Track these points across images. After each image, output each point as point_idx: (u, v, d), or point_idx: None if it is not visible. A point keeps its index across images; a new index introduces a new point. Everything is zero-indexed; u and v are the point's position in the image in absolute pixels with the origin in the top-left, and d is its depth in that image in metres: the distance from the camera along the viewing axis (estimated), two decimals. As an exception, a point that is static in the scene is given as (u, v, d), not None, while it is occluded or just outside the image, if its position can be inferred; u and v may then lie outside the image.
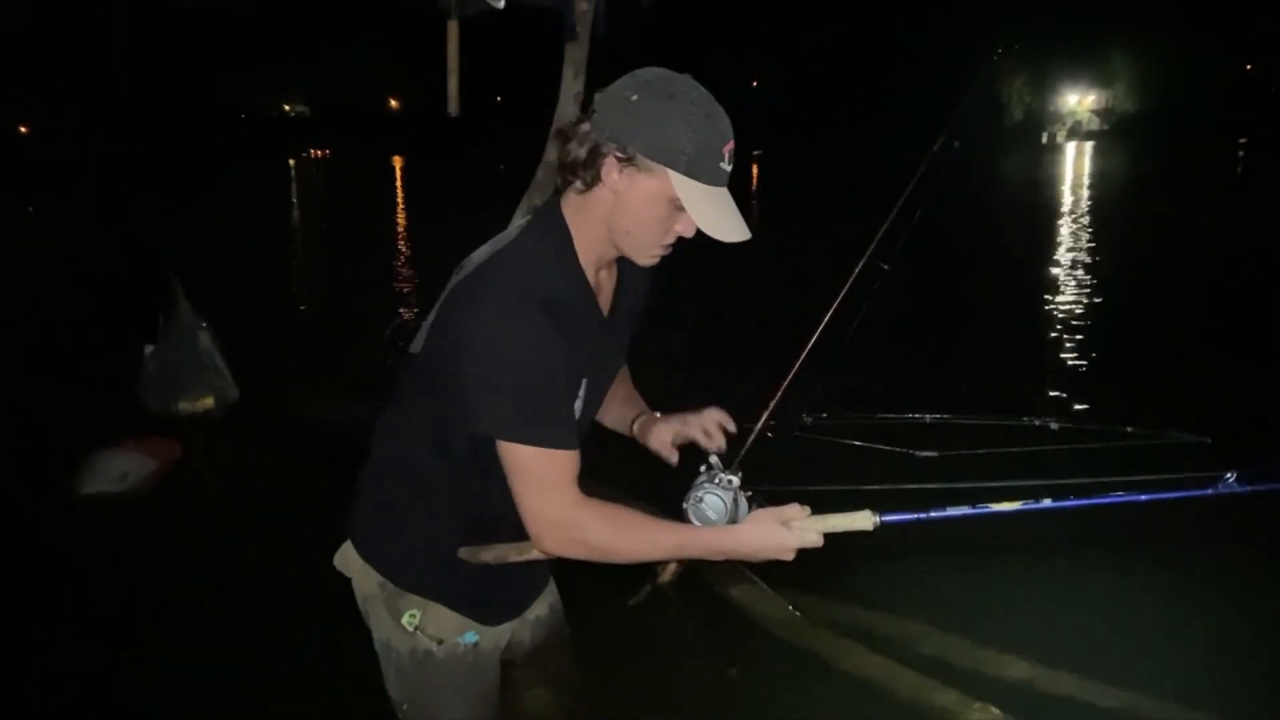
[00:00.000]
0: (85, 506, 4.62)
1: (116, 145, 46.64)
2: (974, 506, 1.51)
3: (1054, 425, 4.30)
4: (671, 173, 1.49)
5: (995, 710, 2.80)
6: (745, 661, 3.30)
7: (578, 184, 1.55)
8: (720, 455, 1.64)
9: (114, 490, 4.71)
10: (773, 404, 3.51)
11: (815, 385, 3.62)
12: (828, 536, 1.53)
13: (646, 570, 3.59)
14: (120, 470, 4.79)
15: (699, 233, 1.54)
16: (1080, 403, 6.08)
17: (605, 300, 1.70)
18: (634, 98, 1.49)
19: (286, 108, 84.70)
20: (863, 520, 1.51)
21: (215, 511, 4.78)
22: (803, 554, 1.55)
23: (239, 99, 71.60)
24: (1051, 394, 6.29)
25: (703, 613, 3.55)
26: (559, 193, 1.62)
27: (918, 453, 4.01)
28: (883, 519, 1.50)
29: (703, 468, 1.64)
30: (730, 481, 1.58)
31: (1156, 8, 52.99)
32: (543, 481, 1.51)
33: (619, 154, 1.49)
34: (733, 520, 1.56)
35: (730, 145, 1.52)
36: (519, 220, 1.67)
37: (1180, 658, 3.12)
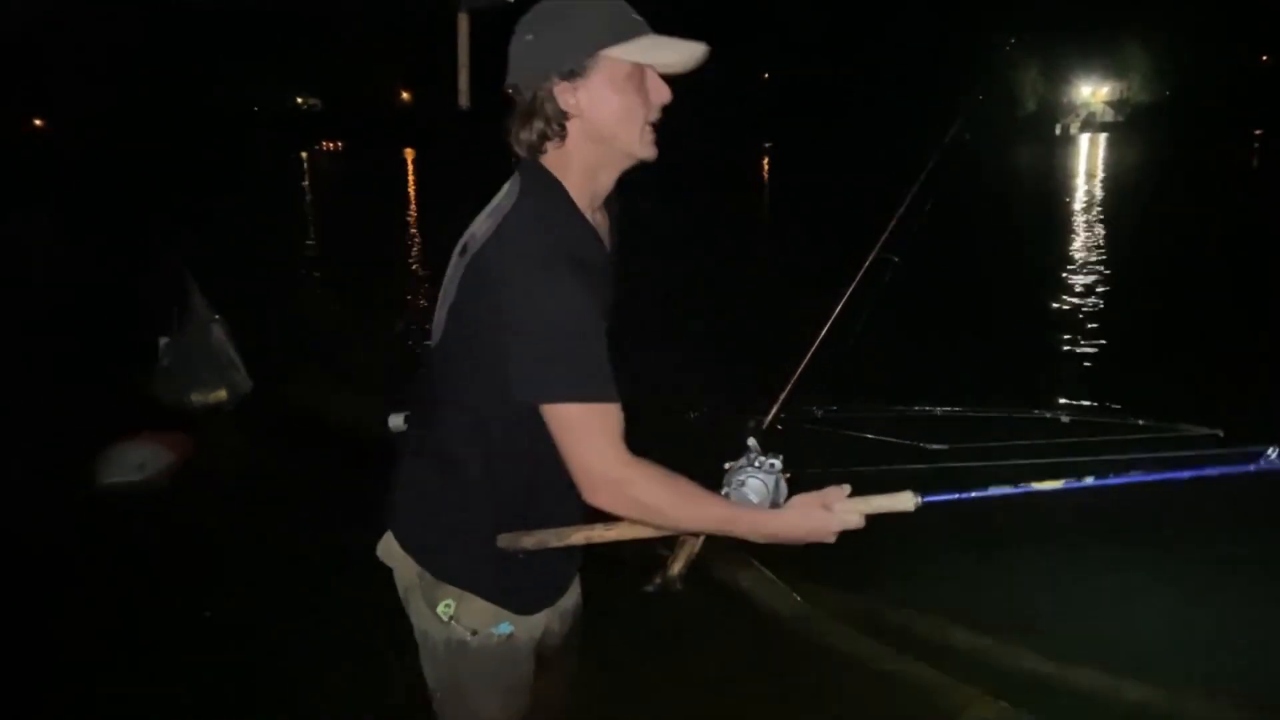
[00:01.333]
0: (101, 497, 4.66)
1: (130, 139, 46.71)
2: (1016, 485, 1.49)
3: (1064, 418, 4.28)
4: (608, 52, 1.53)
5: (1006, 704, 2.79)
6: (755, 653, 3.31)
7: (552, 142, 1.57)
8: (759, 440, 1.63)
9: (129, 481, 4.75)
10: (782, 396, 3.53)
11: (825, 378, 3.64)
12: (869, 518, 1.52)
13: (656, 561, 3.62)
14: (136, 462, 4.84)
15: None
16: (1091, 396, 6.07)
17: (606, 244, 1.71)
18: (529, 37, 1.54)
19: (299, 100, 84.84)
20: (904, 501, 1.49)
21: (229, 502, 4.82)
22: (818, 543, 1.56)
23: (251, 92, 71.75)
24: (1062, 387, 6.28)
25: (712, 604, 3.56)
26: (531, 157, 1.62)
27: (928, 445, 4.04)
28: (924, 499, 1.48)
29: (749, 454, 1.63)
30: (772, 465, 1.58)
31: (1171, -2, 52.66)
32: (595, 436, 1.51)
33: (561, 79, 1.53)
34: (774, 504, 1.55)
35: (623, 1, 1.57)
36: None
37: (1198, 650, 3.12)
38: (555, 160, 1.59)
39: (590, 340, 1.51)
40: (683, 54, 1.56)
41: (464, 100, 4.63)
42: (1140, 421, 4.08)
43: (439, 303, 1.68)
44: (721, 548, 3.69)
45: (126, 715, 3.05)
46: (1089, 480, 1.48)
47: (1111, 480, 1.48)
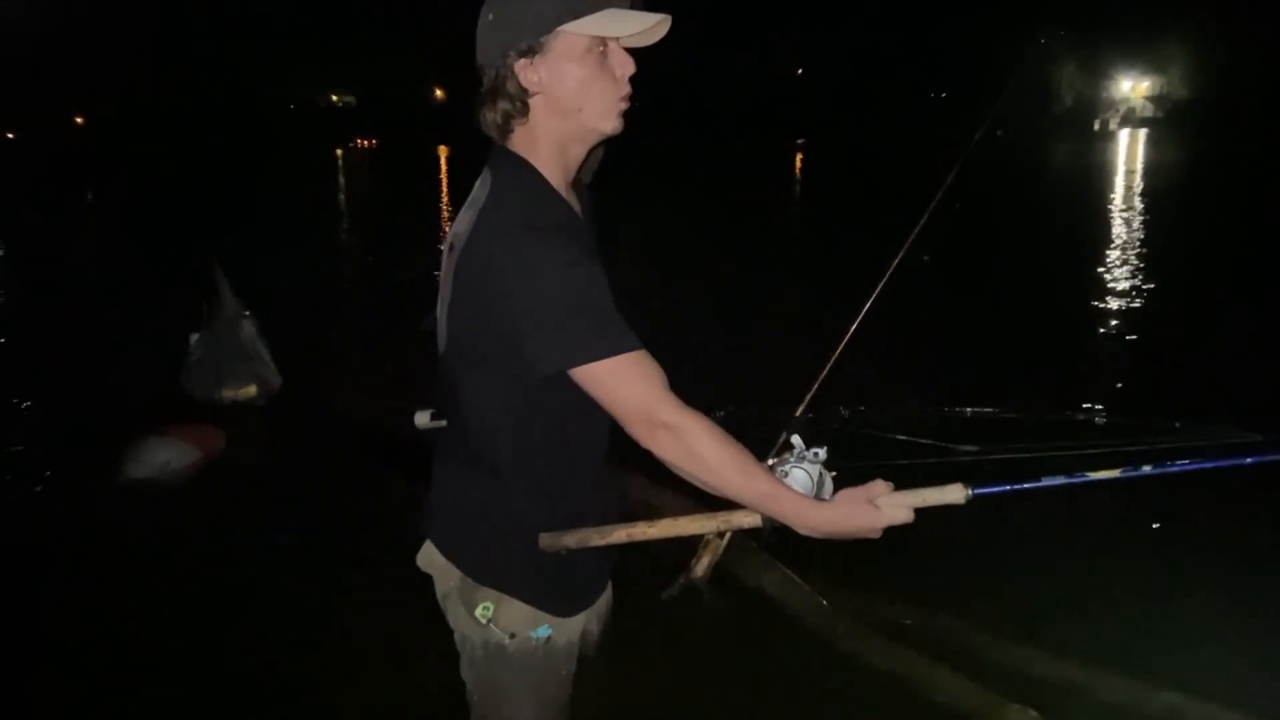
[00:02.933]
0: (130, 493, 4.69)
1: (165, 137, 47.40)
2: (1070, 475, 1.43)
3: (1099, 420, 4.24)
4: (566, 28, 1.52)
5: (1034, 712, 2.73)
6: (778, 656, 3.27)
7: (517, 120, 1.57)
8: (802, 435, 1.59)
9: (158, 477, 4.79)
10: (808, 397, 3.49)
11: (854, 378, 3.59)
12: (918, 512, 1.47)
13: (679, 563, 3.59)
14: (165, 458, 4.87)
15: None
16: (1127, 398, 5.96)
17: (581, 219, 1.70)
18: (490, 16, 1.54)
19: (334, 98, 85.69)
20: (954, 494, 1.43)
21: (257, 498, 4.84)
22: (839, 544, 1.51)
23: (288, 90, 72.55)
24: (1097, 388, 6.16)
25: (735, 606, 3.53)
26: (498, 142, 1.62)
27: (958, 447, 3.98)
28: (975, 491, 1.42)
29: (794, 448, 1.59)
30: (816, 455, 1.53)
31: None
32: (638, 382, 1.48)
33: (520, 56, 1.52)
34: (818, 497, 1.51)
35: None
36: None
37: (1232, 660, 3.03)
38: (522, 139, 1.59)
39: (598, 296, 1.50)
40: (641, 24, 1.54)
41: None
42: (1177, 424, 4.01)
43: (438, 305, 1.67)
44: (745, 550, 3.66)
45: (146, 713, 3.06)
46: (1146, 469, 1.42)
47: (1171, 467, 1.42)
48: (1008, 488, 1.42)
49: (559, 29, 1.52)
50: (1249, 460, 1.41)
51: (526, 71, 1.53)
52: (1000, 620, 3.31)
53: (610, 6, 1.53)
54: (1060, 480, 1.42)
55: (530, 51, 1.52)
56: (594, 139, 1.63)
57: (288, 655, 3.29)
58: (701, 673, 3.21)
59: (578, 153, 1.64)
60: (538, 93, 1.55)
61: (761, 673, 3.20)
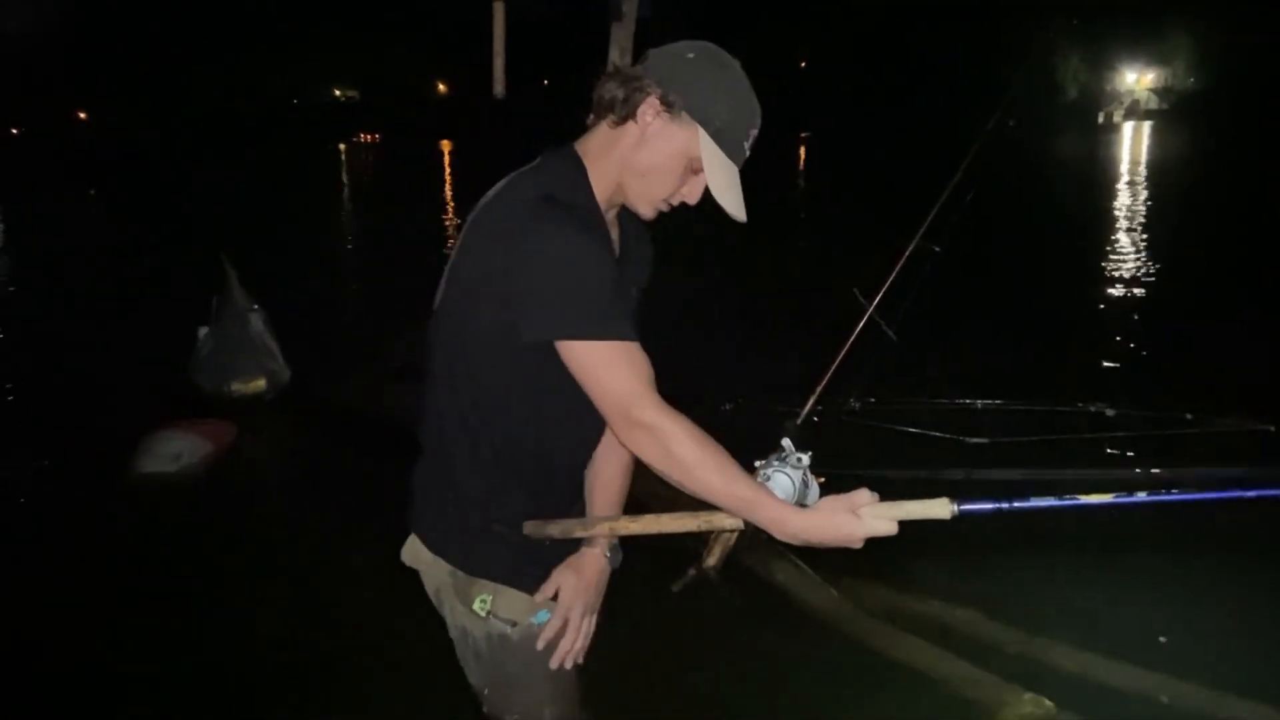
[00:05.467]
0: (140, 486, 4.71)
1: (168, 131, 47.38)
2: (1060, 498, 1.41)
3: (1109, 412, 4.24)
4: (702, 132, 1.57)
5: (1048, 702, 2.74)
6: (790, 647, 3.27)
7: (609, 118, 1.60)
8: (794, 438, 1.59)
9: (168, 470, 4.79)
10: (819, 388, 3.50)
11: (863, 370, 3.60)
12: (902, 524, 1.45)
13: (690, 554, 3.60)
14: (175, 451, 4.88)
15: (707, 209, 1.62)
16: (1137, 389, 5.95)
17: (614, 247, 1.70)
18: (690, 55, 1.59)
19: (337, 92, 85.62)
20: (939, 509, 1.41)
21: (267, 492, 4.87)
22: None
23: (290, 84, 72.48)
24: (1108, 380, 6.16)
25: (746, 598, 3.54)
26: (596, 114, 1.65)
27: (968, 439, 3.99)
28: (961, 508, 1.40)
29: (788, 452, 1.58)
30: (799, 460, 1.52)
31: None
32: (623, 373, 1.48)
33: (661, 98, 1.56)
34: (800, 503, 1.50)
35: (755, 132, 1.62)
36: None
37: (1242, 653, 3.04)
38: (599, 141, 1.62)
39: (601, 282, 1.50)
40: (731, 202, 1.61)
41: (499, 88, 4.65)
42: (1188, 415, 4.02)
43: (443, 276, 1.68)
44: (756, 541, 3.66)
45: (153, 706, 3.05)
46: (1140, 496, 1.40)
47: (1169, 497, 1.41)
48: (994, 506, 1.40)
49: (699, 126, 1.57)
50: (1251, 494, 1.40)
51: (650, 111, 1.57)
52: (1012, 610, 3.31)
53: (739, 154, 1.60)
54: (1050, 502, 1.40)
55: (671, 107, 1.57)
56: (627, 202, 1.66)
57: (295, 647, 3.30)
58: (712, 663, 3.21)
59: (619, 199, 1.67)
60: (638, 130, 1.59)
61: (773, 663, 3.20)
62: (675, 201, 1.64)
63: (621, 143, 1.59)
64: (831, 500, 1.48)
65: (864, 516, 1.44)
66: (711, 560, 3.59)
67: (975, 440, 3.98)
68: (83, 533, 4.23)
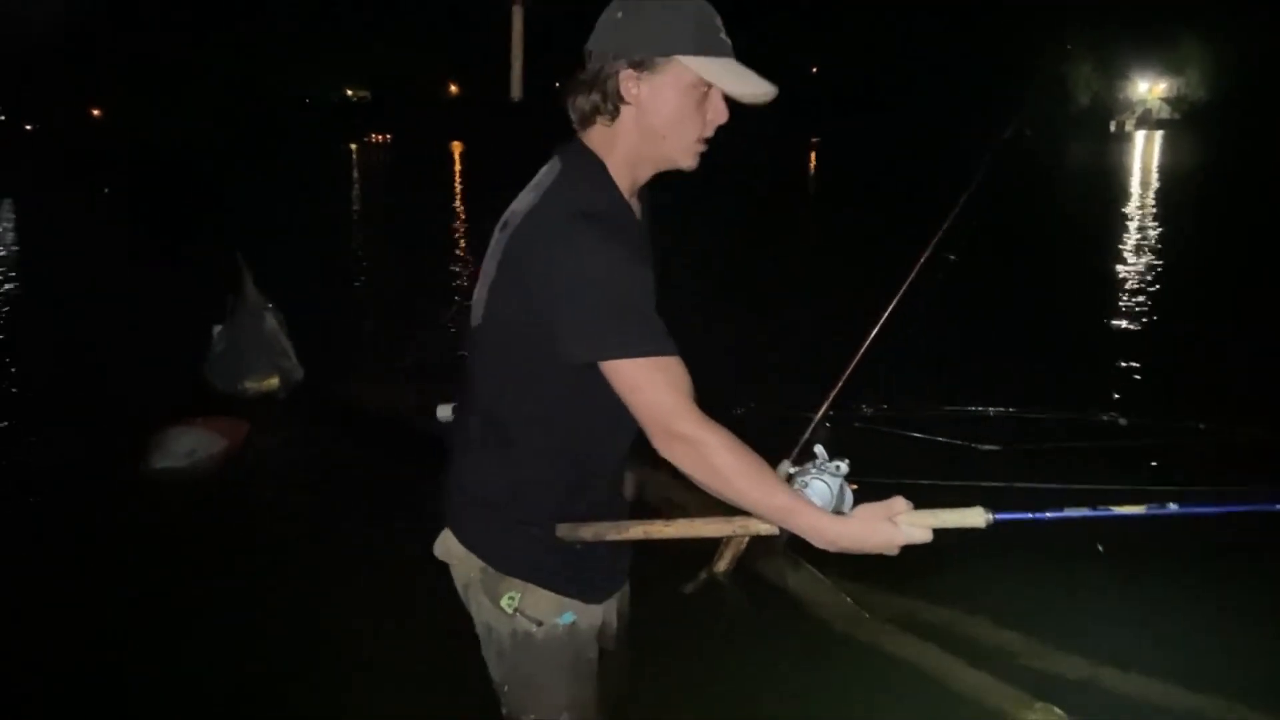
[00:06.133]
0: (154, 481, 4.74)
1: (182, 130, 47.55)
2: (1094, 509, 1.41)
3: (1122, 421, 4.25)
4: (684, 58, 1.54)
5: (1058, 711, 2.74)
6: (800, 652, 3.27)
7: (601, 120, 1.59)
8: (825, 445, 1.59)
9: (182, 467, 4.82)
10: (832, 394, 3.51)
11: (876, 376, 3.60)
12: (936, 532, 1.46)
13: (701, 558, 3.61)
14: (188, 448, 4.91)
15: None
16: (1149, 398, 5.94)
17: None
18: (619, 15, 1.56)
19: (349, 93, 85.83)
20: (975, 517, 1.43)
21: (280, 490, 4.89)
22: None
23: (303, 84, 72.69)
24: (1121, 388, 6.14)
25: (757, 602, 3.54)
26: (577, 129, 1.65)
27: (980, 446, 3.99)
28: (996, 517, 1.41)
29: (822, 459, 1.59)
30: (839, 468, 1.53)
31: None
32: (664, 388, 1.49)
33: (630, 66, 1.54)
34: (836, 510, 1.51)
35: (718, 18, 1.58)
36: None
37: (1257, 664, 3.03)
38: (600, 139, 1.61)
39: (641, 296, 1.51)
40: (753, 87, 1.57)
41: (516, 92, 4.65)
42: (1201, 425, 4.02)
43: (479, 282, 1.68)
44: (767, 546, 3.67)
45: (165, 705, 3.06)
46: (1172, 507, 1.41)
47: (1201, 509, 1.41)
48: (1030, 516, 1.41)
49: (676, 57, 1.54)
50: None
51: (629, 83, 1.56)
52: (1025, 618, 3.31)
53: (730, 57, 1.57)
54: (1084, 513, 1.41)
55: (641, 65, 1.55)
56: (666, 167, 1.65)
57: (306, 643, 3.31)
58: (722, 667, 3.21)
59: (644, 174, 1.66)
60: (631, 105, 1.57)
61: (782, 667, 3.20)
62: (709, 132, 1.62)
63: (624, 129, 1.59)
64: (869, 508, 1.48)
65: (901, 524, 1.45)
66: (722, 564, 3.60)
67: (986, 447, 3.99)
68: (96, 527, 4.26)
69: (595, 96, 1.57)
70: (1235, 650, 3.11)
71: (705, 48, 1.55)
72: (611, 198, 1.61)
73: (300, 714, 3.02)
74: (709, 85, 1.57)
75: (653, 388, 1.49)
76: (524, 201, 1.62)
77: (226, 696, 3.07)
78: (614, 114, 1.58)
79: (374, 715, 3.01)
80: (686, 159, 1.63)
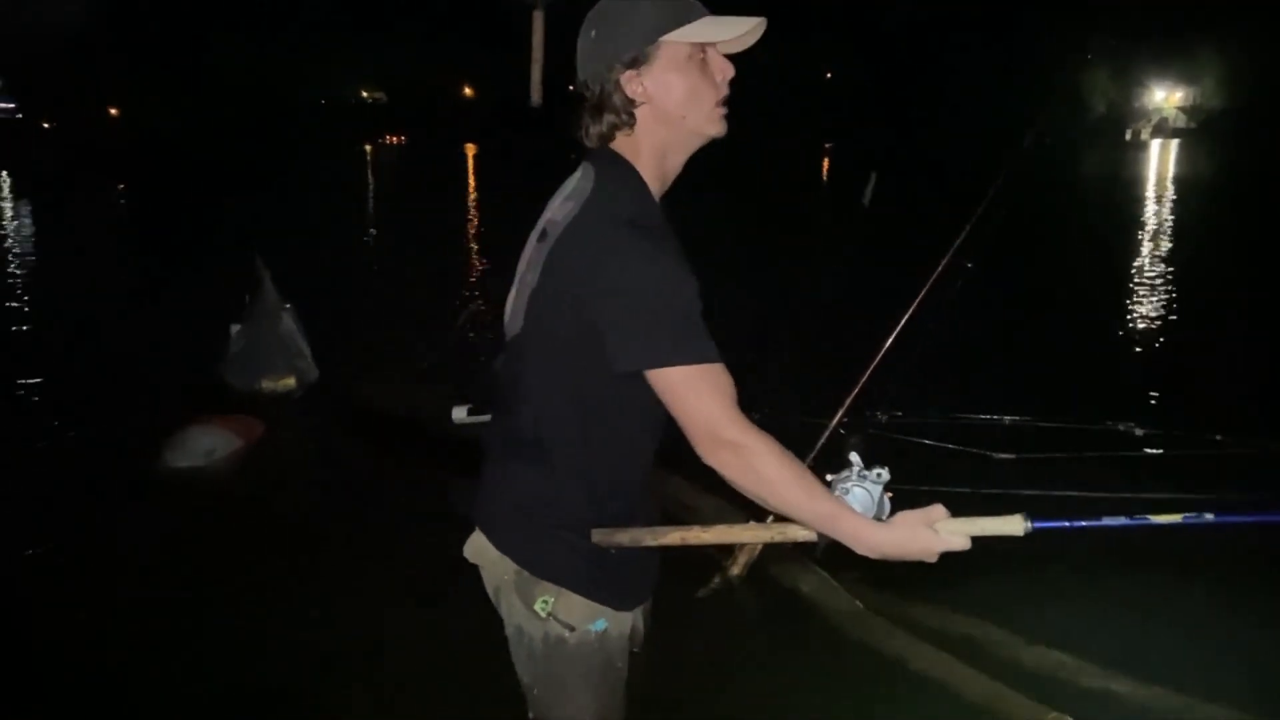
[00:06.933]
0: (172, 480, 4.78)
1: (198, 131, 47.76)
2: (1131, 517, 1.43)
3: (1139, 431, 4.23)
4: (668, 36, 1.57)
5: (1069, 719, 2.74)
6: (813, 658, 3.28)
7: (622, 133, 1.62)
8: (860, 454, 1.60)
9: (199, 465, 4.87)
10: (848, 401, 3.51)
11: (892, 383, 3.60)
12: (975, 540, 1.48)
13: (715, 562, 3.62)
14: (206, 446, 4.95)
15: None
16: (1164, 409, 5.92)
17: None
18: (592, 33, 1.60)
19: (365, 94, 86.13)
20: (1014, 525, 1.44)
21: (295, 488, 4.92)
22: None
23: (319, 85, 72.97)
24: (1134, 399, 6.12)
25: (770, 606, 3.55)
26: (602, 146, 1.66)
27: (995, 454, 3.99)
28: (1035, 524, 1.43)
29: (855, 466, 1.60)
30: (880, 475, 1.53)
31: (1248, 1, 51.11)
32: (709, 395, 1.50)
33: (625, 68, 1.57)
34: (876, 517, 1.51)
35: None
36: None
37: (1272, 675, 3.02)
38: (625, 146, 1.63)
39: (687, 302, 1.52)
40: (740, 29, 1.60)
41: (536, 96, 4.66)
42: (1219, 436, 4.01)
43: (514, 291, 1.69)
44: (781, 550, 3.68)
45: (177, 703, 3.09)
46: (1209, 516, 1.41)
47: (1238, 518, 1.41)
48: (1068, 524, 1.42)
49: (661, 39, 1.57)
50: None
51: (632, 83, 1.58)
52: (1037, 627, 3.31)
53: (704, 14, 1.59)
54: (1121, 521, 1.42)
55: (635, 63, 1.57)
56: (698, 144, 1.67)
57: (320, 641, 3.33)
58: (735, 672, 3.23)
59: (677, 162, 1.68)
60: (643, 103, 1.60)
61: (795, 672, 3.21)
62: (725, 90, 1.65)
63: (646, 127, 1.62)
64: (908, 515, 1.49)
65: (940, 531, 1.47)
66: (736, 569, 3.61)
67: (1001, 455, 3.98)
68: (114, 524, 4.29)
69: (609, 117, 1.60)
70: (1255, 662, 3.09)
71: (682, 17, 1.58)
72: (649, 204, 1.63)
73: (320, 712, 3.04)
74: (704, 50, 1.60)
75: (699, 395, 1.50)
76: (562, 211, 1.62)
77: (245, 694, 3.08)
78: (632, 122, 1.60)
79: (395, 714, 3.02)
80: (713, 126, 1.65)
